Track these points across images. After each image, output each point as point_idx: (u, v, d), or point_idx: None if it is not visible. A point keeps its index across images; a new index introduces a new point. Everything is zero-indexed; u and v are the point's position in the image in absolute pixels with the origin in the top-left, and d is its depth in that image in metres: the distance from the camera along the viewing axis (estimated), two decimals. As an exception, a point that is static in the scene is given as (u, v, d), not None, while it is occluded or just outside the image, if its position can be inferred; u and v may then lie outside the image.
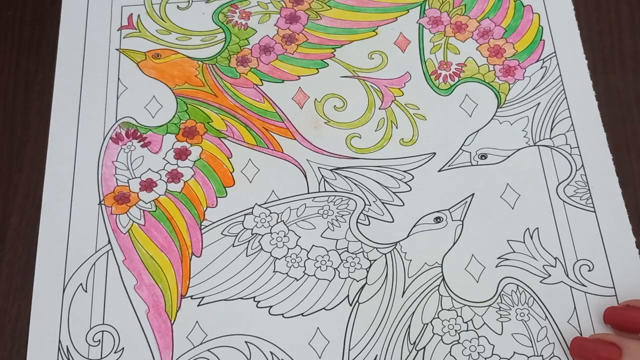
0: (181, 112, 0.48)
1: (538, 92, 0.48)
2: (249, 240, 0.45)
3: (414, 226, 0.45)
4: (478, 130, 0.48)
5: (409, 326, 0.42)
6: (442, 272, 0.44)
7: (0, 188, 0.47)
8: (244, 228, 0.45)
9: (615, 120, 0.48)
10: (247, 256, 0.44)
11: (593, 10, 0.51)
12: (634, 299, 0.42)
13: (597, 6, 0.51)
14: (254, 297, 0.43)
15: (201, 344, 0.42)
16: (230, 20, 0.51)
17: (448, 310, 0.43)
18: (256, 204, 0.46)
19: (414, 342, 0.42)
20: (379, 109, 0.48)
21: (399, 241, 0.45)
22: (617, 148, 0.47)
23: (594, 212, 0.45)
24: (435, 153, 0.47)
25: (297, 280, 0.44)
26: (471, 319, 0.42)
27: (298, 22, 0.51)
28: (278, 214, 0.45)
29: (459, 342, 0.42)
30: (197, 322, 0.43)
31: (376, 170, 0.47)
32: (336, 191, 0.46)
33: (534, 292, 0.43)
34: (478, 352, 0.41)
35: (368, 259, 0.44)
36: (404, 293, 0.43)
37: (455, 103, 0.49)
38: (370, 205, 0.46)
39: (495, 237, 0.44)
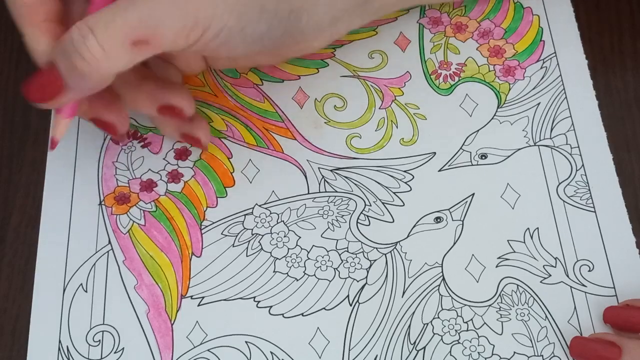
0: (181, 112, 0.48)
1: (538, 92, 0.48)
2: (249, 241, 0.45)
3: (414, 226, 0.45)
4: (478, 130, 0.47)
5: (409, 326, 0.42)
6: (442, 272, 0.44)
7: (0, 188, 0.47)
8: (244, 228, 0.45)
9: (615, 120, 0.48)
10: (247, 256, 0.44)
11: (593, 10, 0.51)
12: (634, 299, 0.42)
13: (597, 6, 0.51)
14: (254, 297, 0.43)
15: (201, 344, 0.42)
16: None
17: (448, 310, 0.43)
18: (256, 204, 0.46)
19: (414, 342, 0.42)
20: (379, 108, 0.48)
21: (399, 241, 0.44)
22: (617, 148, 0.47)
23: (594, 212, 0.45)
24: (435, 153, 0.47)
25: (297, 280, 0.44)
26: (471, 319, 0.42)
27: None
28: (278, 214, 0.45)
29: (459, 342, 0.42)
30: (197, 322, 0.43)
31: (376, 171, 0.47)
32: (336, 191, 0.46)
33: (534, 292, 0.43)
34: (478, 352, 0.41)
35: (368, 259, 0.44)
36: (404, 293, 0.43)
37: (455, 103, 0.48)
38: (370, 205, 0.46)
39: (496, 237, 0.44)
